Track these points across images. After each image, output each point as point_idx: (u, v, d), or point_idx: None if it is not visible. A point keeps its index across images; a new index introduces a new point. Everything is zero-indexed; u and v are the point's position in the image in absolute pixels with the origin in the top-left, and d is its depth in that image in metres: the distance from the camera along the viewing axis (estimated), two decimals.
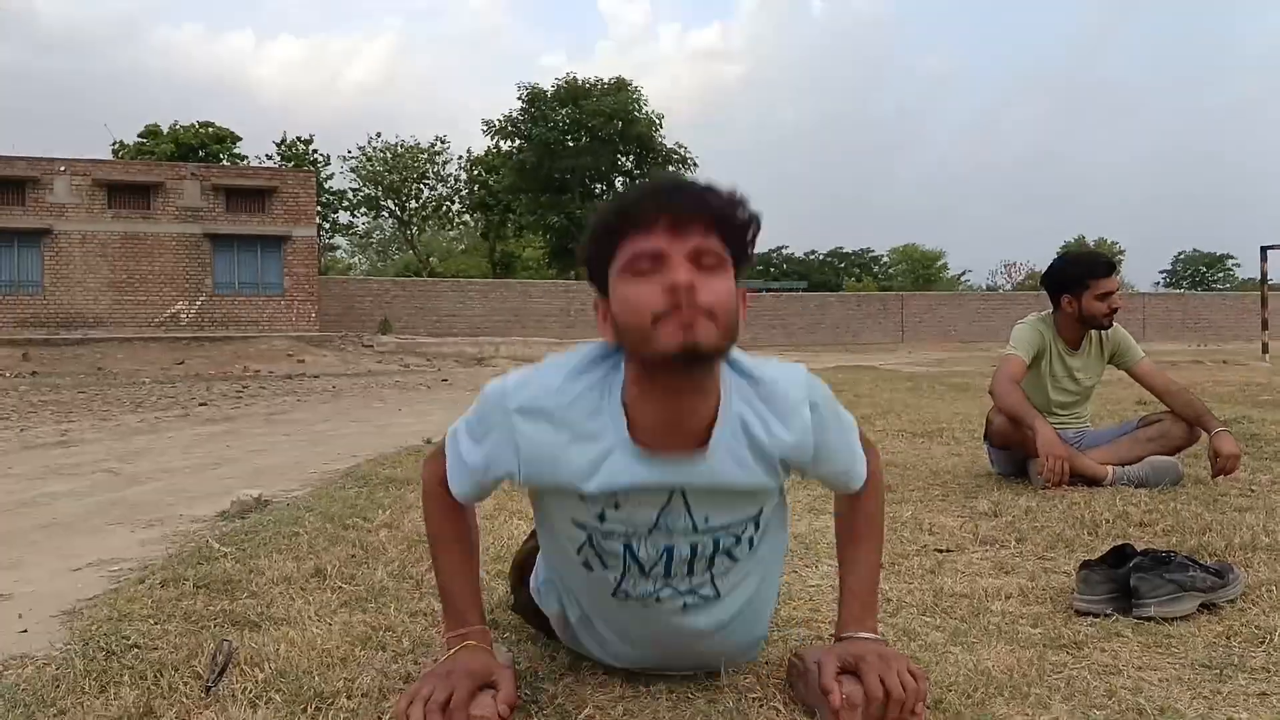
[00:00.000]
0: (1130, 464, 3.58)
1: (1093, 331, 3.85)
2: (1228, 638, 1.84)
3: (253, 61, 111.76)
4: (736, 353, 1.45)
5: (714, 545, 1.50)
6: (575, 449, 1.41)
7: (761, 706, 1.52)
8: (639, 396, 1.40)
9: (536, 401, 1.42)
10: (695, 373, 1.35)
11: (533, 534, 1.81)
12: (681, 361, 1.30)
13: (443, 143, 50.44)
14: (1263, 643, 1.79)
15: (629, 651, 1.63)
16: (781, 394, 1.46)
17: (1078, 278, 3.76)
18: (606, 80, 41.78)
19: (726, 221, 1.35)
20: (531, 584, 1.78)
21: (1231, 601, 2.02)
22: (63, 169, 26.31)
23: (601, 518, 1.46)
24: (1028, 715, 1.47)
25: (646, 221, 1.32)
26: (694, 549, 1.49)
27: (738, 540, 1.52)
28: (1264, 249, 17.67)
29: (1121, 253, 63.98)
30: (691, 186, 1.36)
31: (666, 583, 1.52)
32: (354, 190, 49.43)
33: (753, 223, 1.38)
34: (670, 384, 1.36)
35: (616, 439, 1.41)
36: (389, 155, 49.00)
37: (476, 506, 1.66)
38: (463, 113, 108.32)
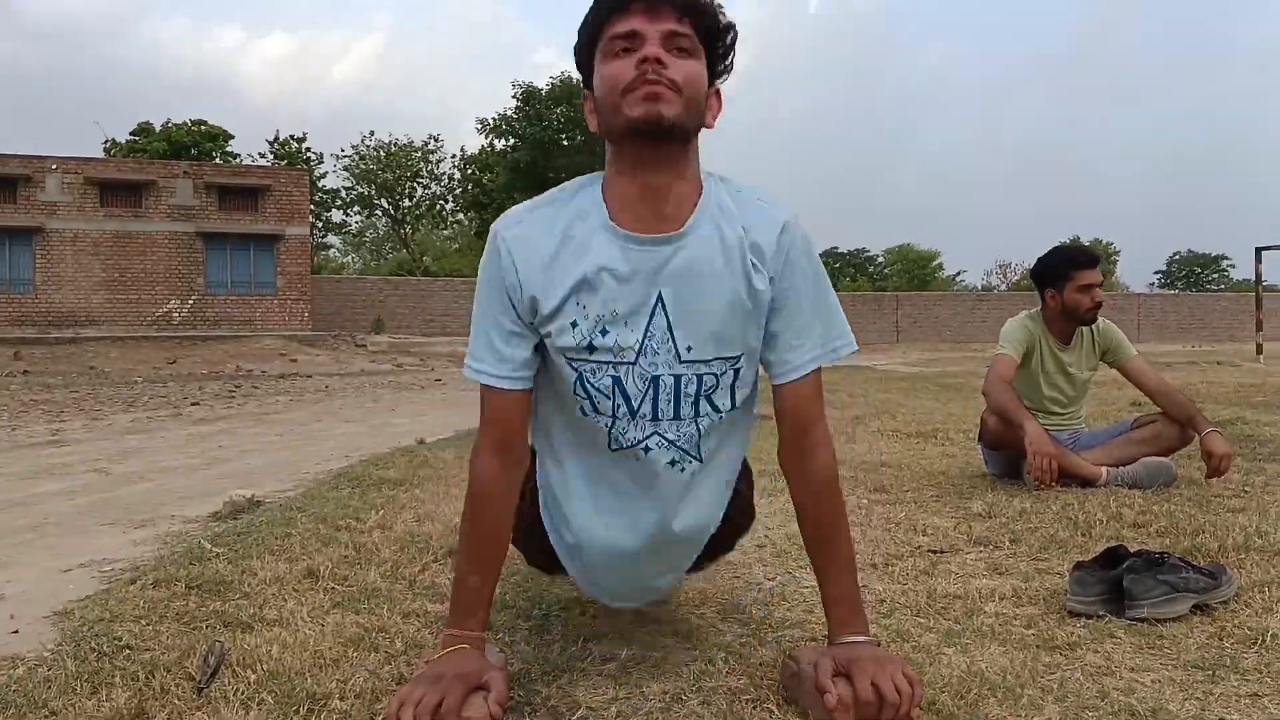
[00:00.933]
0: (1124, 465, 3.58)
1: (1083, 327, 3.87)
2: (1220, 639, 1.84)
3: (243, 58, 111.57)
4: (726, 176, 1.61)
5: (697, 383, 1.58)
6: (565, 250, 1.53)
7: (755, 708, 1.52)
8: (615, 177, 1.54)
9: (522, 216, 1.58)
10: (662, 145, 1.47)
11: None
12: (645, 130, 1.44)
13: (436, 141, 50.50)
14: (1255, 644, 1.79)
15: (614, 544, 1.69)
16: (758, 209, 1.58)
17: (1059, 271, 3.79)
18: None
19: (700, 11, 1.49)
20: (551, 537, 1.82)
21: (1224, 603, 2.03)
22: (54, 167, 26.24)
23: (590, 348, 1.54)
24: (1020, 716, 1.47)
25: (625, 6, 1.47)
26: (678, 382, 1.57)
27: (717, 383, 1.60)
28: (1259, 250, 17.76)
29: (1116, 253, 64.22)
30: None
31: (655, 427, 1.59)
32: (347, 189, 49.42)
33: (729, 26, 1.53)
34: (642, 157, 1.49)
35: (598, 222, 1.53)
36: (382, 153, 48.96)
37: (514, 507, 1.66)
38: (455, 110, 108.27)
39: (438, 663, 1.48)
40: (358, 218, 53.15)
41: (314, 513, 3.17)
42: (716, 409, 1.61)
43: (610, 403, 1.58)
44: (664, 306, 1.53)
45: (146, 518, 3.43)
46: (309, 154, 46.70)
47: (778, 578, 2.37)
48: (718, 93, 1.57)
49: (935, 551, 2.61)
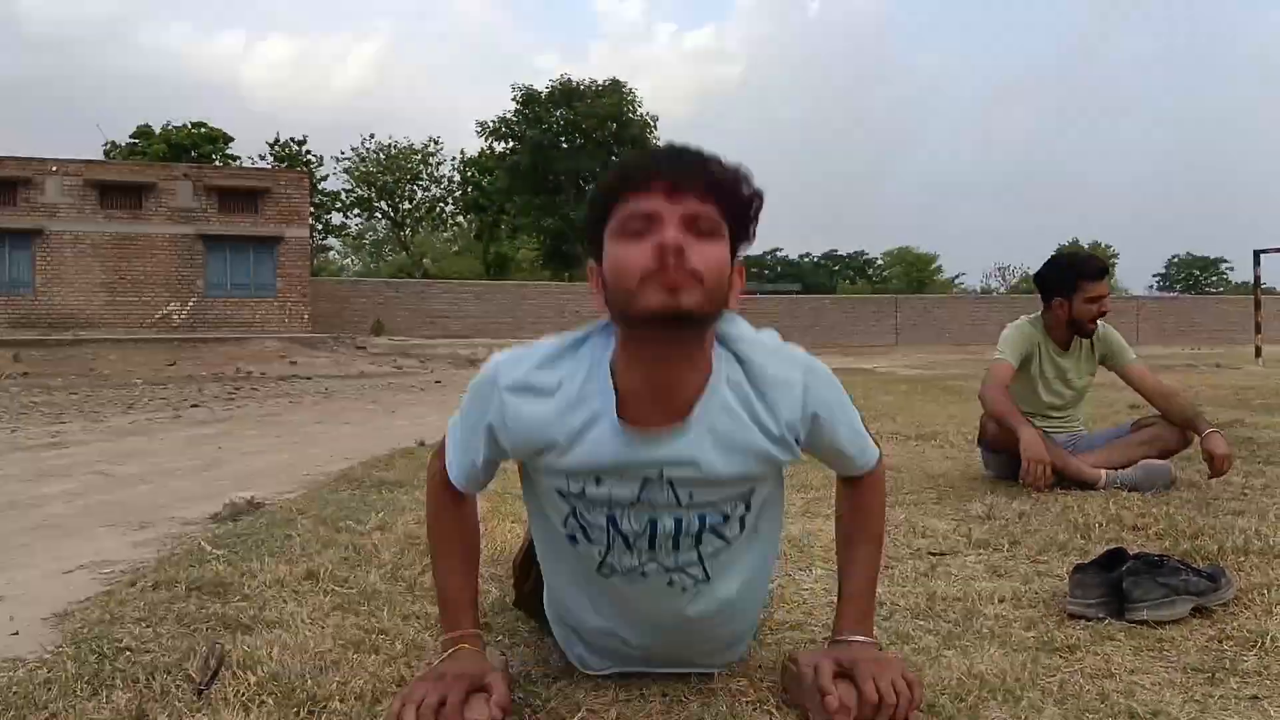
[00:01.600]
0: (1123, 468, 3.58)
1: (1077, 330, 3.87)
2: (1220, 641, 1.84)
3: (243, 62, 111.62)
4: (734, 328, 1.46)
5: (699, 522, 1.48)
6: (561, 421, 1.42)
7: (755, 710, 1.52)
8: (626, 365, 1.41)
9: (526, 377, 1.44)
10: (679, 336, 1.35)
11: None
12: (662, 323, 1.30)
13: (436, 144, 50.44)
14: (1255, 646, 1.79)
15: (618, 645, 1.62)
16: (771, 375, 1.45)
17: (1069, 280, 3.77)
18: (601, 81, 41.85)
19: (725, 190, 1.35)
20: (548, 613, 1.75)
21: (1224, 605, 2.03)
22: (54, 169, 26.25)
23: (582, 493, 1.46)
24: (1020, 719, 1.47)
25: (643, 183, 1.33)
26: (679, 524, 1.48)
27: (726, 519, 1.50)
28: (1257, 253, 17.78)
29: (1115, 256, 64.21)
30: (693, 153, 1.36)
31: (652, 557, 1.50)
32: (347, 191, 49.51)
33: (755, 198, 1.39)
34: (656, 350, 1.37)
35: (602, 409, 1.41)
36: (382, 156, 49.02)
37: (477, 508, 1.67)
38: (455, 113, 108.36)
39: (439, 664, 1.49)
40: (357, 220, 53.27)
41: (314, 515, 3.17)
42: (724, 539, 1.52)
43: (605, 535, 1.49)
44: (663, 478, 1.45)
45: (147, 520, 3.43)
46: (309, 156, 46.78)
47: (778, 580, 2.37)
48: (740, 269, 1.42)
49: (935, 554, 2.62)
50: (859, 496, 1.65)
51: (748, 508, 1.51)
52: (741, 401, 1.44)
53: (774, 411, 1.45)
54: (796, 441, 1.48)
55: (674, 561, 1.51)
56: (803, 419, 1.47)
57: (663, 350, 1.37)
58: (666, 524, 1.47)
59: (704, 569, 1.53)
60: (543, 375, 1.44)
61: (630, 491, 1.45)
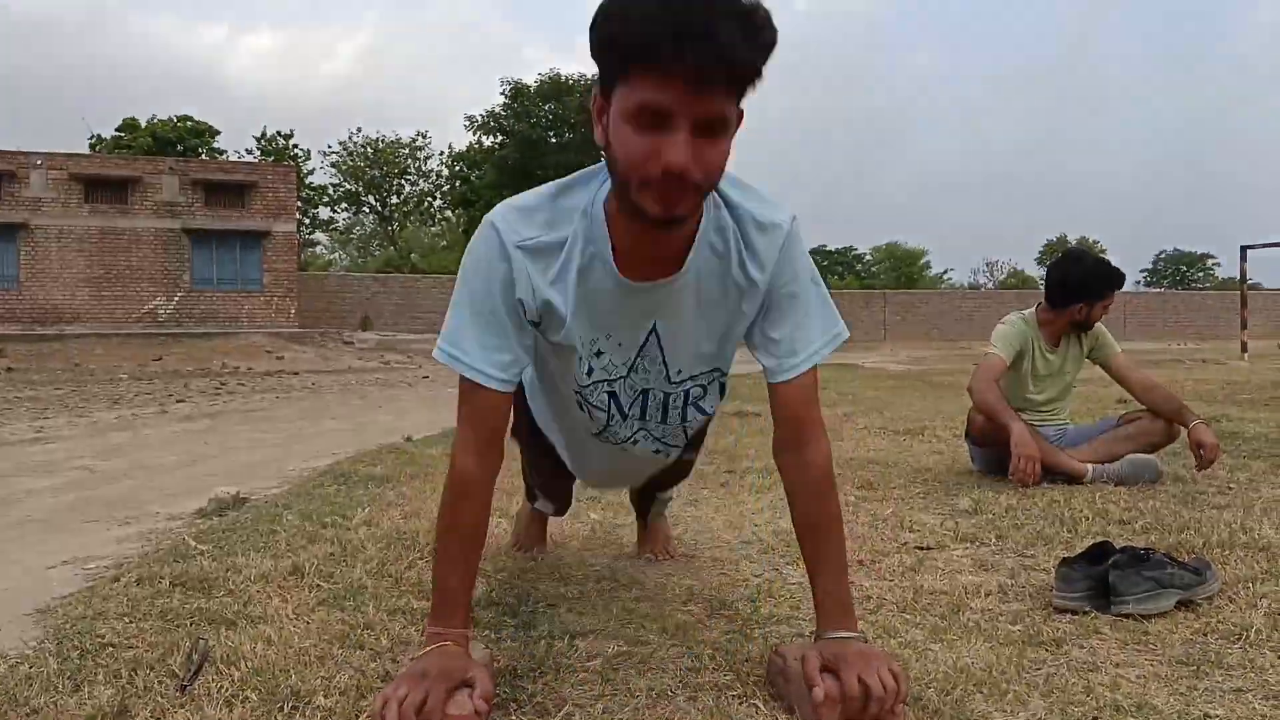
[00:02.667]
0: (1110, 462, 3.60)
1: (1072, 326, 3.88)
2: (1205, 634, 1.85)
3: (229, 54, 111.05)
4: (727, 177, 1.51)
5: (684, 396, 1.73)
6: (568, 268, 1.53)
7: (742, 704, 1.52)
8: (619, 216, 1.49)
9: (529, 227, 1.52)
10: (670, 230, 1.45)
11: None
12: (654, 224, 1.39)
13: (424, 138, 50.40)
14: (1239, 639, 1.80)
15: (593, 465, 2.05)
16: (757, 219, 1.56)
17: (1098, 289, 3.77)
18: (590, 76, 41.73)
19: (746, 76, 1.30)
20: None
21: (1209, 598, 2.04)
22: (39, 162, 26.08)
23: (590, 372, 1.66)
24: (1006, 712, 1.47)
25: (662, 65, 1.24)
26: (667, 397, 1.73)
27: (704, 392, 1.74)
28: (1243, 248, 17.88)
29: (1103, 251, 64.48)
30: (722, 26, 1.22)
31: (643, 425, 1.77)
32: (334, 185, 49.34)
33: (771, 49, 1.30)
34: (647, 226, 1.43)
35: (600, 256, 1.52)
36: (370, 150, 48.85)
37: (490, 504, 1.66)
38: (443, 107, 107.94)
39: (421, 660, 1.48)
40: (345, 214, 53.14)
41: (300, 510, 3.15)
42: (704, 412, 1.80)
43: (604, 413, 1.75)
44: (657, 336, 1.62)
45: (131, 515, 3.41)
46: (296, 150, 46.57)
47: (765, 573, 2.37)
48: (739, 113, 1.36)
49: (922, 548, 2.62)
50: (811, 489, 1.64)
51: (722, 387, 1.77)
52: (725, 242, 1.55)
53: (753, 251, 1.56)
54: (768, 290, 1.59)
55: (661, 432, 1.80)
56: (778, 263, 1.58)
57: (654, 231, 1.45)
58: (656, 395, 1.72)
59: (685, 434, 1.84)
60: (542, 220, 1.53)
61: (626, 357, 1.65)
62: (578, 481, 2.30)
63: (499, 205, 1.57)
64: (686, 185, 1.32)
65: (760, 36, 1.27)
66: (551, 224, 1.52)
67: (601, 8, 1.31)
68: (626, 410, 1.74)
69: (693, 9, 1.22)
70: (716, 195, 1.54)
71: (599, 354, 1.64)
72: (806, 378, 1.63)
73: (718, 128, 1.31)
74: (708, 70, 1.23)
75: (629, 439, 1.81)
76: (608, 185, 1.49)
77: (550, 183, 1.58)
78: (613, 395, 1.70)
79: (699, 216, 1.51)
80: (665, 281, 1.55)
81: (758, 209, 1.57)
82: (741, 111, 1.36)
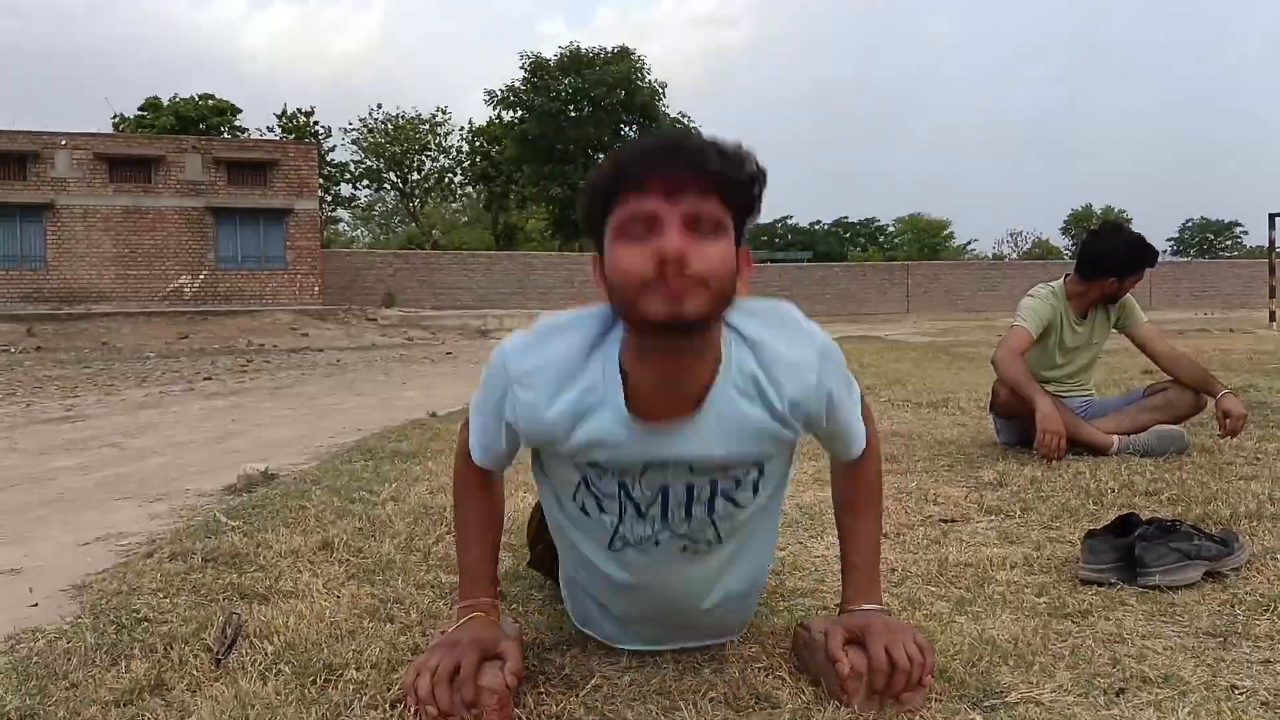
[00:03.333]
0: (1136, 433, 3.58)
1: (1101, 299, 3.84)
2: (1232, 606, 1.84)
3: (243, 30, 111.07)
4: (744, 309, 1.43)
5: (711, 488, 1.48)
6: (570, 413, 1.41)
7: (767, 675, 1.53)
8: (635, 359, 1.38)
9: (535, 369, 1.42)
10: (684, 340, 1.33)
11: None
12: (666, 330, 1.28)
13: (444, 114, 50.19)
14: (1267, 610, 1.80)
15: (628, 615, 1.63)
16: (784, 355, 1.43)
17: (1132, 265, 3.73)
18: (609, 49, 41.48)
19: (727, 182, 1.30)
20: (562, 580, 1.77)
21: (1236, 570, 2.03)
22: (64, 143, 26.22)
23: (595, 462, 1.45)
24: (1032, 684, 1.48)
25: (641, 181, 1.28)
26: (690, 490, 1.47)
27: (738, 484, 1.49)
28: (1272, 216, 17.59)
29: (1129, 220, 63.69)
30: (690, 143, 1.30)
31: (665, 525, 1.50)
32: (355, 163, 49.32)
33: (757, 179, 1.33)
34: (663, 350, 1.35)
35: (611, 401, 1.39)
36: (390, 127, 48.81)
37: (503, 482, 1.68)
38: (459, 81, 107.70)
39: (453, 632, 1.50)
40: (366, 191, 53.10)
41: (328, 485, 3.19)
42: (738, 504, 1.51)
43: (616, 504, 1.49)
44: (670, 464, 1.45)
45: (162, 492, 3.45)
46: (317, 127, 46.60)
47: (789, 549, 2.38)
48: (746, 253, 1.36)
49: (947, 520, 2.62)
50: (854, 465, 1.63)
51: (761, 473, 1.51)
52: (752, 386, 1.42)
53: (782, 393, 1.42)
54: (801, 422, 1.47)
55: (686, 529, 1.51)
56: (813, 401, 1.45)
57: (670, 350, 1.35)
58: (678, 491, 1.47)
59: (716, 532, 1.52)
60: (551, 366, 1.41)
61: (639, 465, 1.45)
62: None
63: (514, 337, 1.50)
64: (689, 278, 1.25)
65: (736, 155, 1.31)
66: (558, 359, 1.42)
67: (589, 176, 1.38)
68: (643, 507, 1.49)
69: (670, 137, 1.32)
70: (738, 336, 1.43)
71: (604, 466, 1.47)
72: (870, 452, 1.63)
73: (708, 227, 1.28)
74: (685, 174, 1.27)
75: (649, 538, 1.52)
76: (620, 330, 1.40)
77: (564, 322, 1.48)
78: (624, 487, 1.47)
79: (718, 356, 1.40)
80: (681, 423, 1.40)
81: (786, 348, 1.44)
82: (747, 251, 1.37)
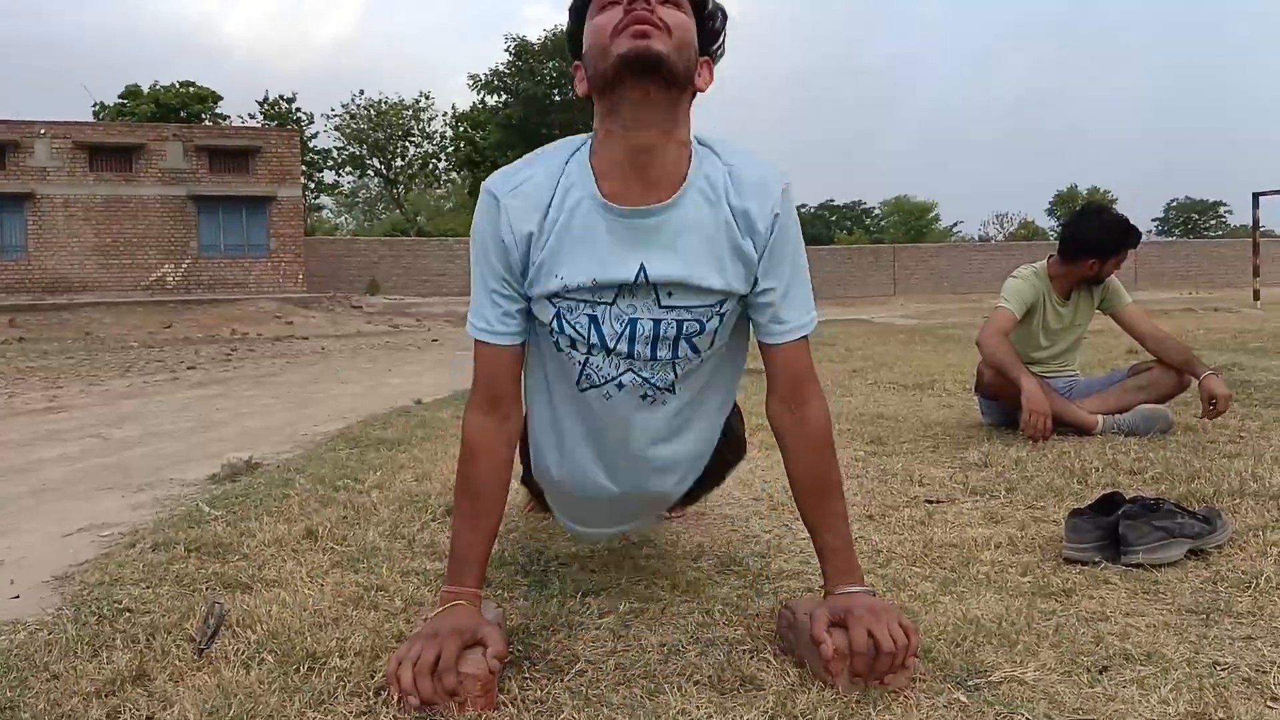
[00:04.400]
0: (1120, 413, 3.59)
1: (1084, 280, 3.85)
2: (1215, 583, 1.85)
3: (224, 16, 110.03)
4: (716, 138, 1.58)
5: (677, 327, 1.57)
6: (558, 215, 1.52)
7: (752, 658, 1.53)
8: (603, 141, 1.51)
9: (519, 182, 1.55)
10: (651, 89, 1.43)
11: None
12: (635, 70, 1.41)
13: (427, 99, 49.91)
14: (1249, 587, 1.81)
15: (578, 498, 1.81)
16: (752, 170, 1.55)
17: (1113, 246, 3.72)
18: None
19: None
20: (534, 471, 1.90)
21: (1219, 547, 2.04)
22: (43, 131, 26.00)
23: (567, 287, 1.55)
24: (1016, 663, 1.48)
25: None
26: (656, 326, 1.57)
27: (701, 328, 1.58)
28: (1256, 196, 17.70)
29: (1114, 201, 63.91)
30: None
31: (629, 364, 1.60)
32: (338, 149, 49.03)
33: (717, 7, 1.56)
34: (632, 110, 1.45)
35: (585, 191, 1.51)
36: (373, 113, 48.52)
37: (511, 466, 1.67)
38: (443, 67, 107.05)
39: (434, 620, 1.49)
40: (350, 178, 52.86)
41: (312, 474, 3.17)
42: (696, 350, 1.62)
43: (585, 341, 1.59)
44: (645, 274, 1.54)
45: (145, 482, 3.43)
46: (299, 114, 46.28)
47: (774, 530, 2.38)
48: (708, 62, 1.54)
49: (932, 501, 2.63)
50: (812, 448, 1.63)
51: (720, 319, 1.60)
52: (719, 191, 1.53)
53: (743, 197, 1.54)
54: (762, 248, 1.56)
55: (649, 371, 1.62)
56: (770, 227, 1.55)
57: (639, 105, 1.45)
58: (645, 326, 1.57)
59: (674, 375, 1.63)
60: (532, 176, 1.55)
61: (609, 295, 1.55)
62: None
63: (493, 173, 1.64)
64: (654, 18, 1.42)
65: None
66: (536, 167, 1.57)
67: None
68: (611, 344, 1.58)
69: None
70: (704, 147, 1.56)
71: (581, 285, 1.56)
72: (802, 340, 1.64)
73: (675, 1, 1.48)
74: None
75: (613, 379, 1.62)
76: (593, 138, 1.56)
77: (532, 152, 1.64)
78: (594, 320, 1.57)
79: (688, 151, 1.53)
80: (655, 207, 1.50)
81: (750, 163, 1.57)
82: (710, 62, 1.56)
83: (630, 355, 1.59)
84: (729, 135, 1.61)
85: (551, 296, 1.56)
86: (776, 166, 1.59)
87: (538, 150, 1.61)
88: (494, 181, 1.58)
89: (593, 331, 1.57)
